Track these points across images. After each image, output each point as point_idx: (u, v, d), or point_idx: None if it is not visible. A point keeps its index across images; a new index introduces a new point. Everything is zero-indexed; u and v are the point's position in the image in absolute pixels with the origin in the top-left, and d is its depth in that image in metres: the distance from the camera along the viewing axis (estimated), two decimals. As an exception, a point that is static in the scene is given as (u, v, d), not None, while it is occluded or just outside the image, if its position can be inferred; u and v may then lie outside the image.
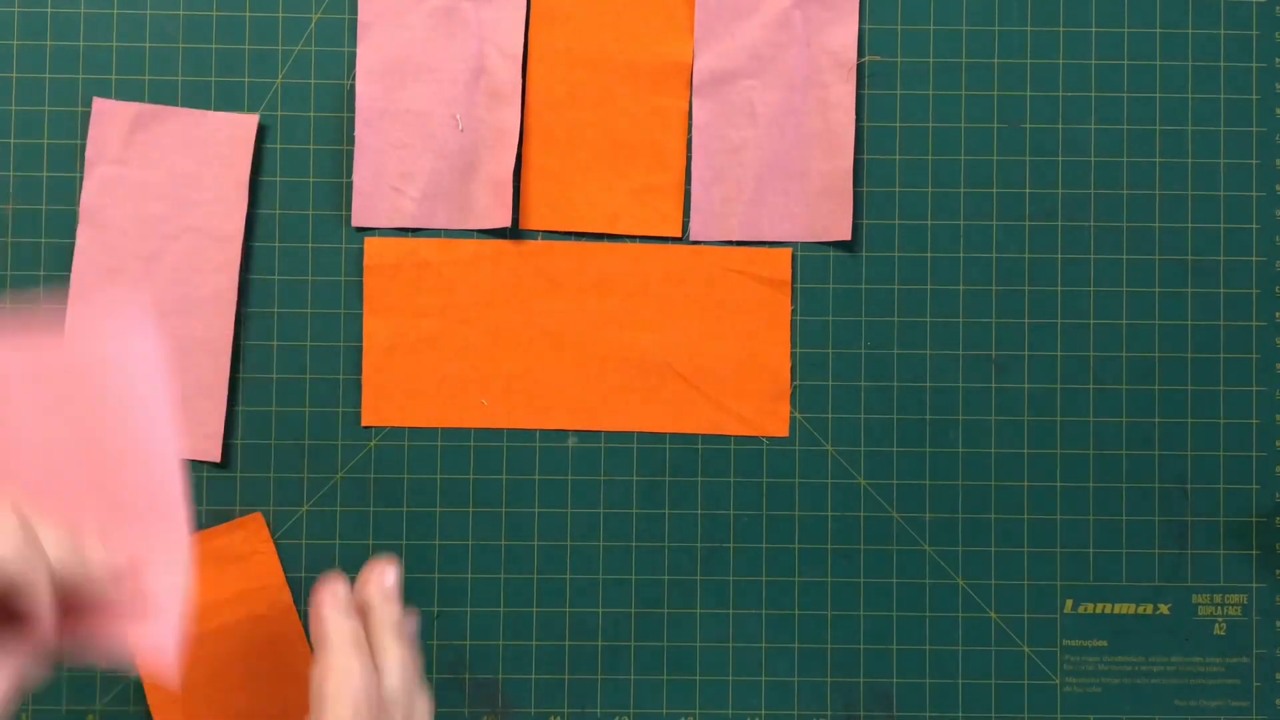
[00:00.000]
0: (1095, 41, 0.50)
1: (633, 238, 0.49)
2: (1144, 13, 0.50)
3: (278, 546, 0.48)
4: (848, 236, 0.49)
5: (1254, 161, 0.50)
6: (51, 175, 0.49)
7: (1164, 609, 0.49)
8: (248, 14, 0.49)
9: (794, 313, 0.49)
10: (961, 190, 0.50)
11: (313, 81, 0.49)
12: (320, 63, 0.49)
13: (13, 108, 0.49)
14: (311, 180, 0.49)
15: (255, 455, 0.49)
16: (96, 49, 0.49)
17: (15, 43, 0.49)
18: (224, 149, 0.49)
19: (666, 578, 0.49)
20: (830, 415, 0.49)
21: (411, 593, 0.49)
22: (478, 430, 0.49)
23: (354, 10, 0.49)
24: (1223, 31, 0.50)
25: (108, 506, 0.37)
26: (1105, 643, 0.49)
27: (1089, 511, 0.49)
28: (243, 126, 0.49)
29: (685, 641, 0.49)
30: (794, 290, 0.49)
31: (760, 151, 0.49)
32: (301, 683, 0.47)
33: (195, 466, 0.48)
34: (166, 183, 0.49)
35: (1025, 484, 0.49)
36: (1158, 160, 0.50)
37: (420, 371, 0.49)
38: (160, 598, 0.37)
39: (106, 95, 0.49)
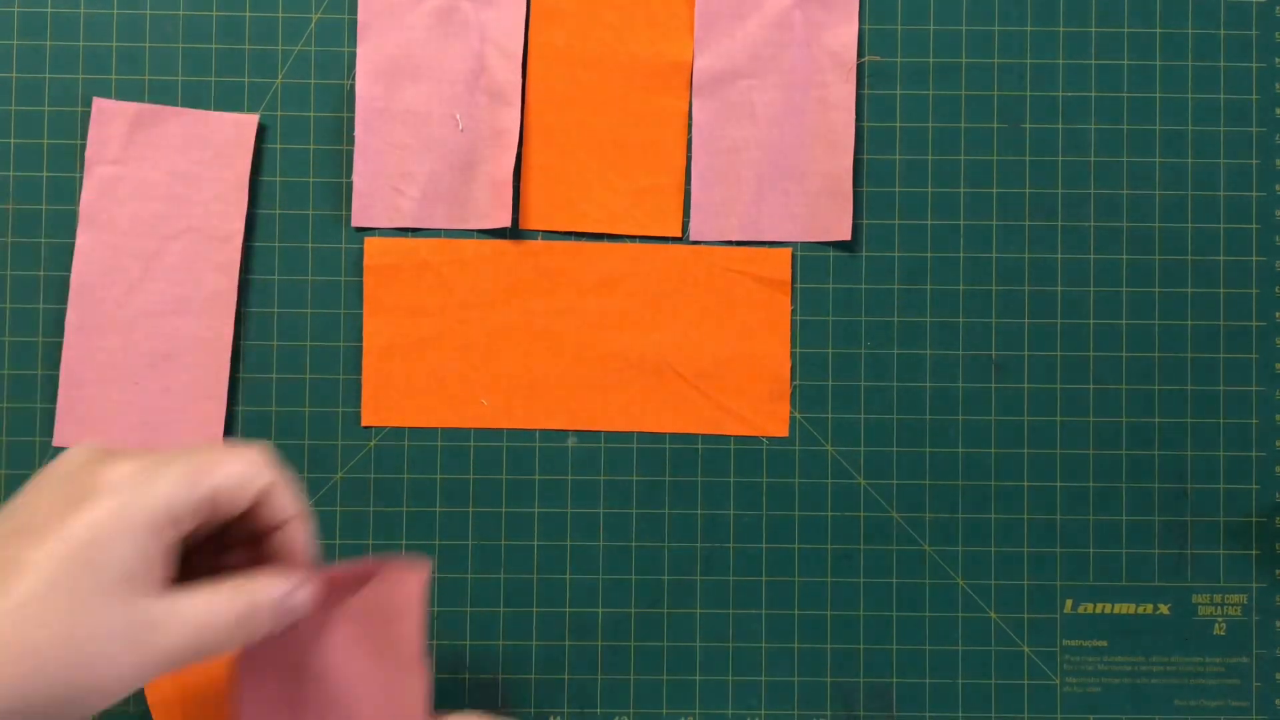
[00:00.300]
0: (1095, 41, 0.50)
1: (633, 238, 0.49)
2: (1144, 13, 0.50)
3: (278, 546, 0.48)
4: (848, 236, 0.49)
5: (1254, 161, 0.50)
6: (51, 175, 0.49)
7: (1164, 609, 0.49)
8: (248, 14, 0.49)
9: (794, 313, 0.49)
10: (961, 190, 0.50)
11: (313, 81, 0.49)
12: (320, 63, 0.50)
13: (13, 108, 0.49)
14: (311, 180, 0.49)
15: (255, 455, 0.49)
16: (96, 49, 0.49)
17: (15, 43, 0.49)
18: (224, 149, 0.49)
19: (666, 578, 0.49)
20: (830, 415, 0.49)
21: (411, 593, 0.49)
22: (478, 430, 0.49)
23: (354, 10, 0.49)
24: (1223, 31, 0.50)
25: None
26: (1105, 643, 0.49)
27: (1089, 511, 0.49)
28: (243, 126, 0.49)
29: (685, 641, 0.49)
30: (794, 290, 0.49)
31: (760, 151, 0.49)
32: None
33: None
34: (166, 183, 0.49)
35: (1025, 484, 0.49)
36: (1158, 160, 0.50)
37: (420, 371, 0.49)
38: None
39: (106, 95, 0.49)
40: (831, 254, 0.50)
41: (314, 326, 0.49)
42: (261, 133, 0.49)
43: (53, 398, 0.48)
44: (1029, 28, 0.50)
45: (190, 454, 0.36)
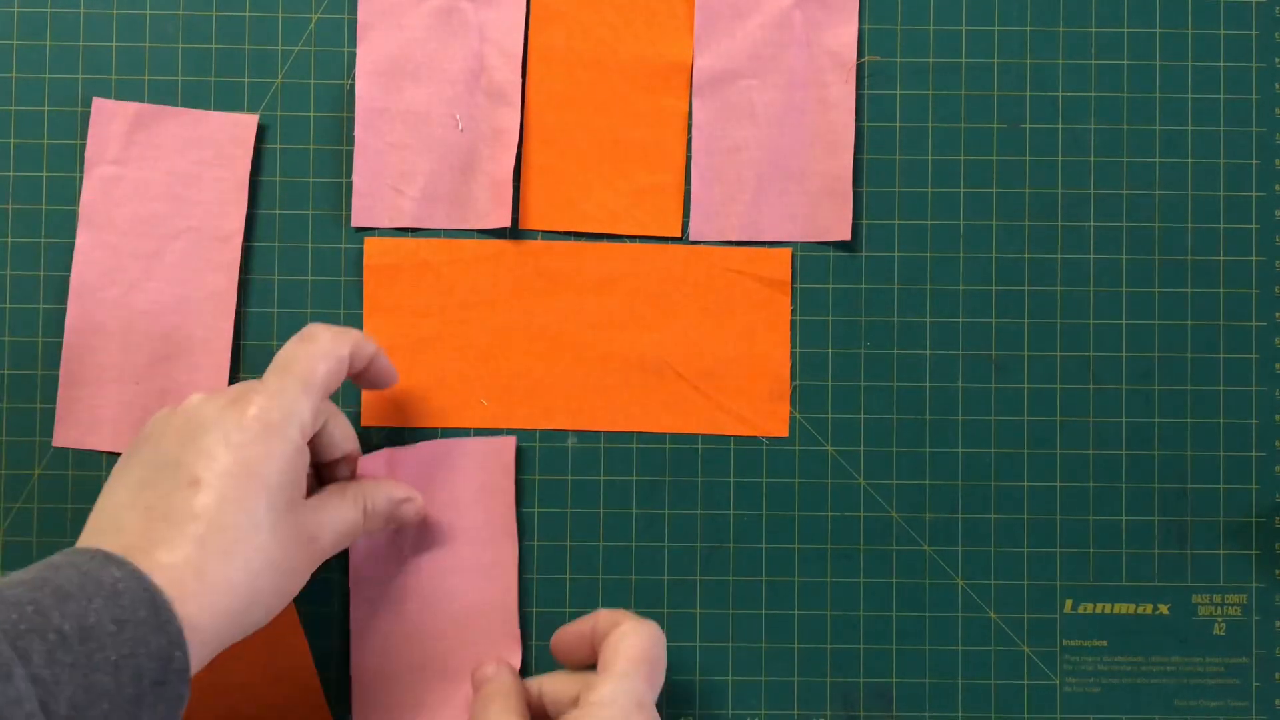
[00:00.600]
0: (1095, 41, 0.50)
1: (633, 238, 0.49)
2: (1144, 13, 0.50)
3: (278, 546, 0.48)
4: (847, 236, 0.49)
5: (1254, 161, 0.50)
6: (51, 175, 0.49)
7: (1164, 609, 0.49)
8: (247, 14, 0.49)
9: (794, 313, 0.49)
10: (961, 190, 0.50)
11: (312, 81, 0.49)
12: (320, 63, 0.50)
13: (13, 108, 0.49)
14: (311, 180, 0.49)
15: (255, 455, 0.49)
16: (96, 49, 0.49)
17: (15, 43, 0.49)
18: (224, 149, 0.49)
19: (666, 578, 0.49)
20: (830, 415, 0.49)
21: (411, 593, 0.48)
22: (478, 430, 0.49)
23: (354, 10, 0.49)
24: (1222, 31, 0.50)
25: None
26: (1105, 643, 0.49)
27: (1089, 511, 0.49)
28: (242, 126, 0.49)
29: (685, 641, 0.49)
30: (794, 290, 0.49)
31: (760, 151, 0.49)
32: (300, 681, 0.47)
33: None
34: (166, 183, 0.49)
35: (1025, 484, 0.49)
36: (1157, 160, 0.50)
37: (420, 371, 0.49)
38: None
39: (106, 95, 0.49)
40: (831, 254, 0.50)
41: (314, 326, 0.49)
42: (261, 133, 0.49)
43: (53, 398, 0.48)
44: (1029, 28, 0.50)
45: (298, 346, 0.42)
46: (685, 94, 0.50)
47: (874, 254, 0.50)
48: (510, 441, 0.48)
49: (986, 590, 0.49)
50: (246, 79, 0.49)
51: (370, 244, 0.49)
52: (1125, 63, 0.50)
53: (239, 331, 0.49)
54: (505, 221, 0.49)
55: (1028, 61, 0.50)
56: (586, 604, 0.49)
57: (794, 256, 0.49)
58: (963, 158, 0.50)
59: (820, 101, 0.49)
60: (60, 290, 0.49)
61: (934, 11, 0.50)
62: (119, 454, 0.45)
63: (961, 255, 0.50)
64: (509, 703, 0.42)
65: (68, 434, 0.48)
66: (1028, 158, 0.50)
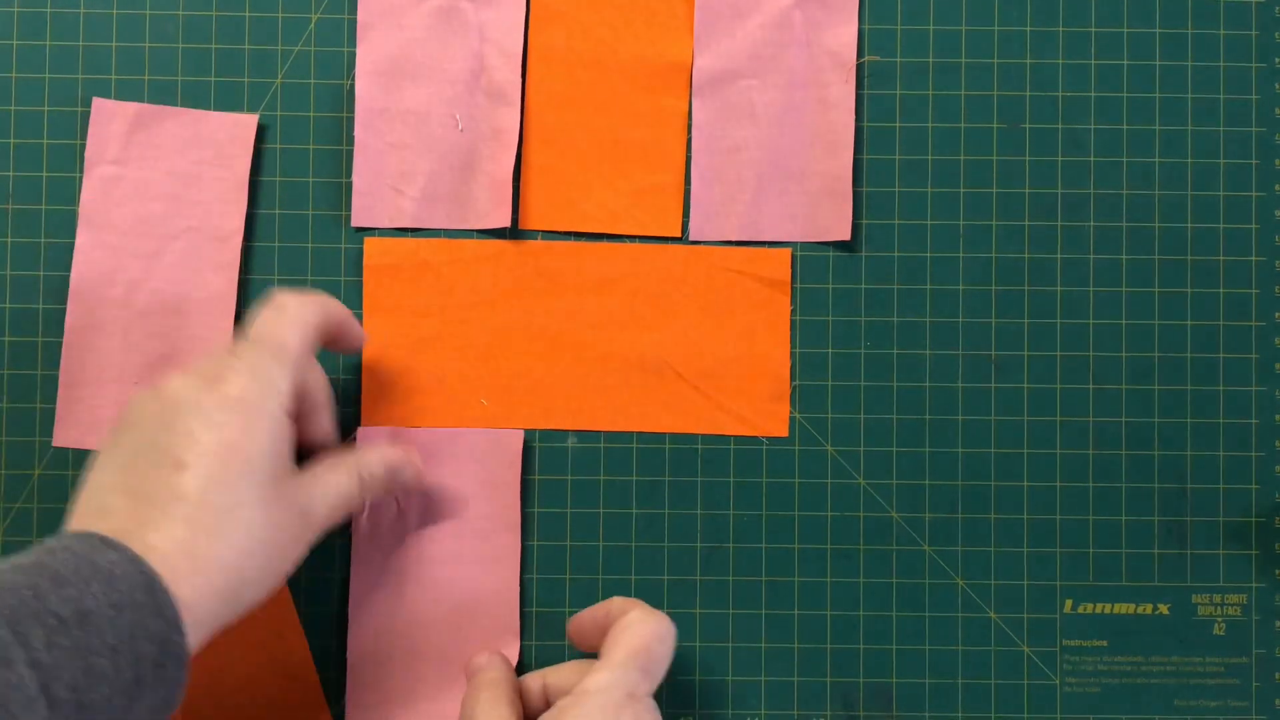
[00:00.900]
0: (1095, 41, 0.50)
1: (633, 238, 0.49)
2: (1144, 13, 0.50)
3: (278, 546, 0.48)
4: (847, 236, 0.49)
5: (1254, 161, 0.50)
6: (51, 175, 0.49)
7: (1164, 609, 0.49)
8: (247, 14, 0.49)
9: (794, 313, 0.49)
10: (961, 190, 0.50)
11: (312, 81, 0.49)
12: (320, 63, 0.50)
13: (13, 108, 0.49)
14: (311, 180, 0.49)
15: (255, 455, 0.49)
16: (96, 49, 0.49)
17: (15, 43, 0.49)
18: (224, 149, 0.49)
19: (666, 578, 0.49)
20: (830, 415, 0.49)
21: (411, 593, 0.48)
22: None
23: (354, 10, 0.49)
24: (1222, 31, 0.50)
25: None
26: (1105, 643, 0.49)
27: (1089, 511, 0.49)
28: (242, 126, 0.49)
29: (685, 641, 0.49)
30: (794, 290, 0.49)
31: (760, 151, 0.49)
32: (299, 681, 0.47)
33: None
34: (166, 183, 0.49)
35: (1025, 484, 0.49)
36: (1157, 160, 0.50)
37: (420, 371, 0.49)
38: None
39: (106, 95, 0.49)
40: (831, 254, 0.50)
41: (314, 326, 0.49)
42: (261, 133, 0.49)
43: (53, 398, 0.48)
44: (1029, 28, 0.50)
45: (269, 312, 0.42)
46: (685, 94, 0.50)
47: (874, 254, 0.50)
48: (517, 434, 0.48)
49: (986, 590, 0.49)
50: (246, 79, 0.49)
51: (370, 244, 0.49)
52: (1125, 63, 0.50)
53: (239, 331, 0.49)
54: (505, 221, 0.49)
55: (1028, 61, 0.50)
56: (586, 604, 0.49)
57: (794, 256, 0.49)
58: (963, 158, 0.50)
59: (820, 101, 0.49)
60: (60, 290, 0.49)
61: (934, 11, 0.50)
62: (119, 454, 0.45)
63: (961, 255, 0.50)
64: (498, 692, 0.42)
65: (68, 434, 0.48)
66: (1028, 158, 0.50)
